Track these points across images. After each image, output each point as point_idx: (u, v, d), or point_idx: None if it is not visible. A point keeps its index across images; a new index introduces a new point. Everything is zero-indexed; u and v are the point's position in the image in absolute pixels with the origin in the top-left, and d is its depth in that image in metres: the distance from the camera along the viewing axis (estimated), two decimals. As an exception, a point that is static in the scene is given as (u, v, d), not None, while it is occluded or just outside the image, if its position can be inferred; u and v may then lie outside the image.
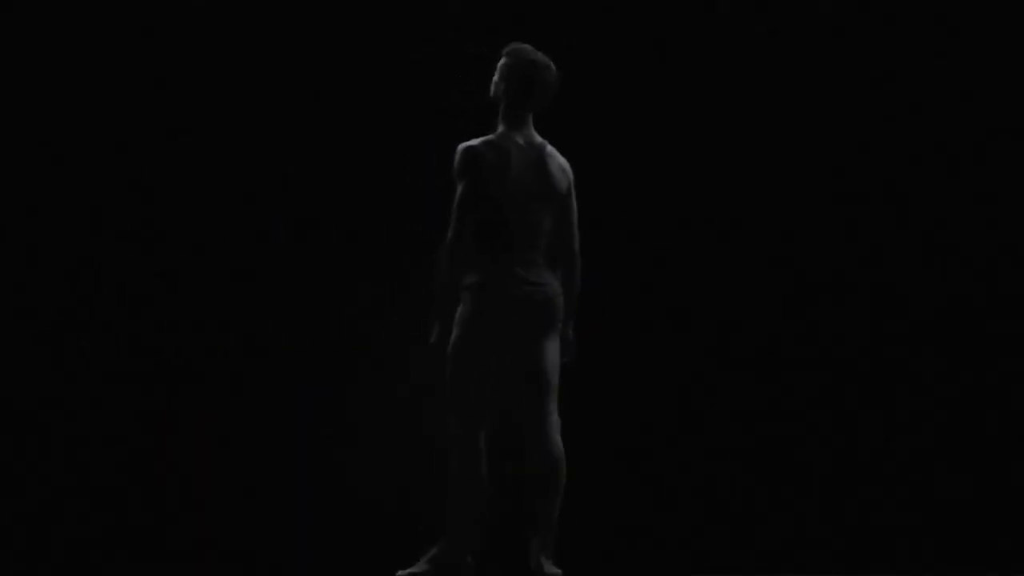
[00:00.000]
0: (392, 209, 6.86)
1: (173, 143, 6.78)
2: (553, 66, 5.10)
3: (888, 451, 6.79)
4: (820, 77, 6.92)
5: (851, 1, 6.89)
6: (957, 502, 6.71)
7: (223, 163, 6.81)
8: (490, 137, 5.05)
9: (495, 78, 5.12)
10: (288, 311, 6.81)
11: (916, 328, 6.82)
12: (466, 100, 6.65)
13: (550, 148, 5.10)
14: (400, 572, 5.01)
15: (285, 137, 6.84)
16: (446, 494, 5.03)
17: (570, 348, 5.15)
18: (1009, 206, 6.81)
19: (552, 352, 5.04)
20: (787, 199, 6.91)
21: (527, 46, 5.11)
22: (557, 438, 4.99)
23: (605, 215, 6.62)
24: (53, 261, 6.68)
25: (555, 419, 5.01)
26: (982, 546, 6.67)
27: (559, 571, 4.96)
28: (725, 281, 6.89)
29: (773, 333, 6.86)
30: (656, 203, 6.92)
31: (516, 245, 4.98)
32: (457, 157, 5.01)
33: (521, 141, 5.05)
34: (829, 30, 6.91)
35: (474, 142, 5.02)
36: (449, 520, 5.01)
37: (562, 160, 5.12)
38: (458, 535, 5.01)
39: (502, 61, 5.12)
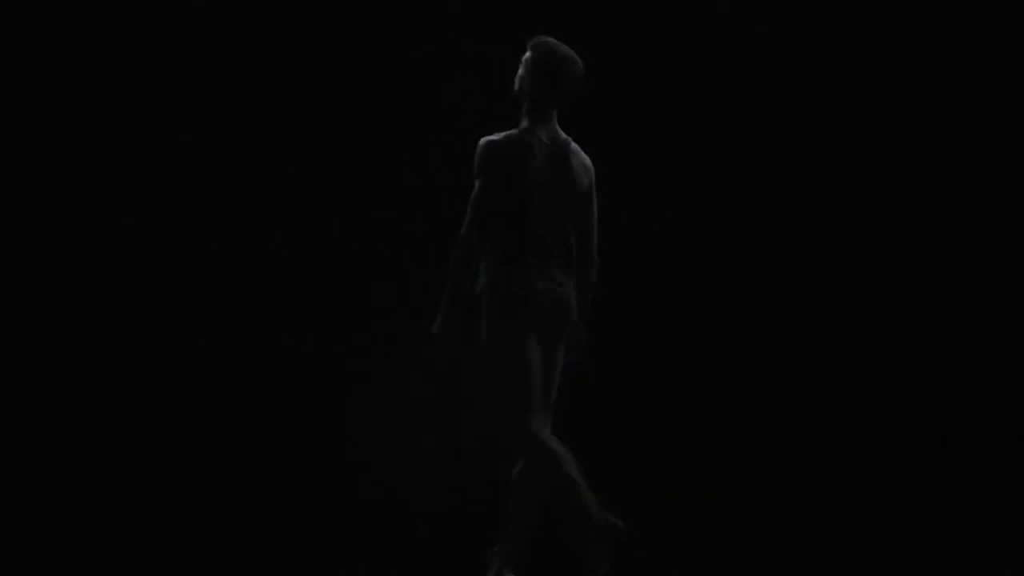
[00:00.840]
0: (392, 209, 6.86)
1: (173, 143, 6.78)
2: (579, 60, 5.00)
3: (891, 451, 6.79)
4: (823, 76, 6.91)
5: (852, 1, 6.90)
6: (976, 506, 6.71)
7: (223, 163, 6.81)
8: (513, 132, 4.93)
9: (520, 72, 4.99)
10: (288, 311, 6.81)
11: (923, 328, 6.81)
12: (466, 100, 6.65)
13: (574, 145, 5.00)
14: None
15: (285, 137, 6.84)
16: (553, 492, 4.77)
17: (578, 348, 5.04)
18: (1009, 206, 6.82)
19: (560, 359, 4.96)
20: (788, 200, 6.91)
21: (552, 39, 5.00)
22: None
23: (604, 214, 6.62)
24: (52, 261, 6.68)
25: (547, 430, 4.92)
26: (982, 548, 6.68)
27: None
28: (727, 281, 6.89)
29: (776, 333, 6.87)
30: (653, 203, 6.92)
31: (535, 242, 4.86)
32: (478, 152, 4.90)
33: (544, 137, 4.94)
34: (829, 30, 6.91)
35: (496, 136, 4.91)
36: (574, 492, 4.71)
37: (585, 158, 5.02)
38: (597, 509, 4.73)
39: (527, 55, 5.00)
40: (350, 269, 6.84)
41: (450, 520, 6.67)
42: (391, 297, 6.80)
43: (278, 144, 6.83)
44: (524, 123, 4.96)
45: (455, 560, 6.46)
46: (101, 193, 6.72)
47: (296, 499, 6.73)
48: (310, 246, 6.84)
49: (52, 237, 6.69)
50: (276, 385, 6.78)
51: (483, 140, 4.91)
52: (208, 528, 6.68)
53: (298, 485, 6.74)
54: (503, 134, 4.92)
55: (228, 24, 6.82)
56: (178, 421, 6.72)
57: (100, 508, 6.62)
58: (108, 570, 6.50)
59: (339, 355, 6.80)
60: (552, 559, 6.29)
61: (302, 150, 6.85)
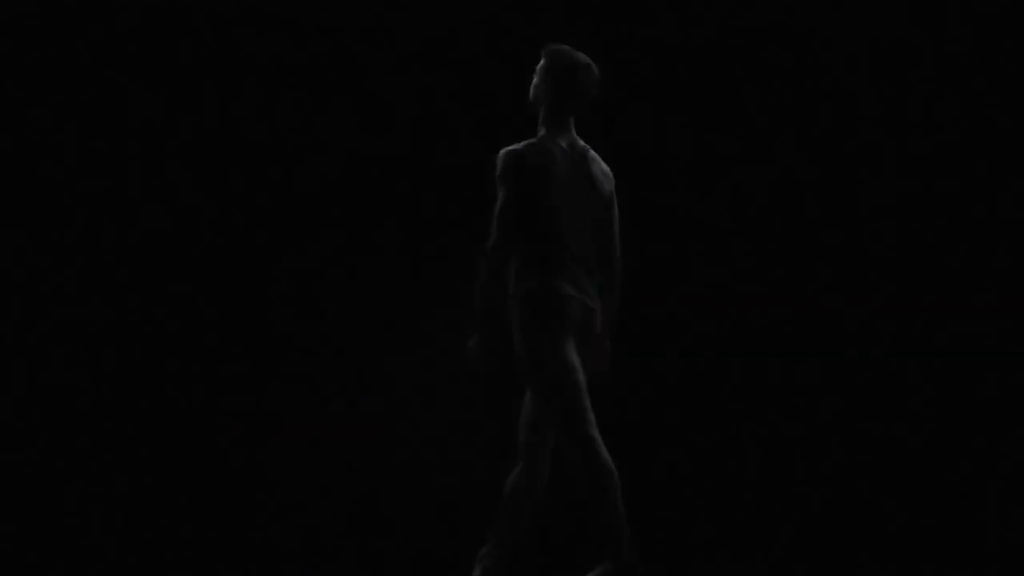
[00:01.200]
0: (396, 211, 6.87)
1: (172, 143, 6.79)
2: (594, 66, 4.94)
3: (896, 457, 6.79)
4: (831, 77, 6.91)
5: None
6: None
7: (225, 164, 6.82)
8: (532, 141, 4.87)
9: (535, 81, 4.94)
10: (294, 315, 6.83)
11: (935, 331, 6.81)
12: (470, 101, 6.66)
13: (592, 152, 4.95)
14: None
15: (288, 138, 6.85)
16: (598, 496, 4.66)
17: (605, 358, 4.96)
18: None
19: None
20: (797, 204, 6.90)
21: (566, 47, 4.94)
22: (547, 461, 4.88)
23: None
24: (65, 263, 6.70)
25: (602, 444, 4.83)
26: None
27: None
28: (732, 285, 6.89)
29: (783, 336, 6.87)
30: (657, 206, 6.92)
31: (563, 250, 4.80)
32: (499, 162, 4.83)
33: (564, 145, 4.89)
34: (836, 30, 6.91)
35: (516, 146, 4.84)
36: (613, 520, 4.66)
37: (604, 165, 4.97)
38: (628, 547, 4.69)
39: (541, 63, 4.94)
40: (354, 272, 6.85)
41: (445, 520, 6.68)
42: (394, 300, 6.81)
43: (281, 144, 6.84)
44: (542, 131, 4.93)
45: (447, 559, 6.46)
46: (118, 192, 6.76)
47: (291, 497, 6.74)
48: (315, 248, 6.85)
49: (52, 236, 6.71)
50: (276, 385, 6.79)
51: (504, 150, 4.85)
52: (207, 529, 6.70)
53: (293, 484, 6.75)
54: (523, 143, 4.86)
55: (230, 26, 6.83)
56: (184, 422, 6.75)
57: (107, 512, 6.65)
58: (111, 571, 6.52)
59: (347, 359, 6.81)
60: (540, 563, 6.31)
61: (305, 151, 6.86)
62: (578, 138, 4.96)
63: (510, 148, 4.86)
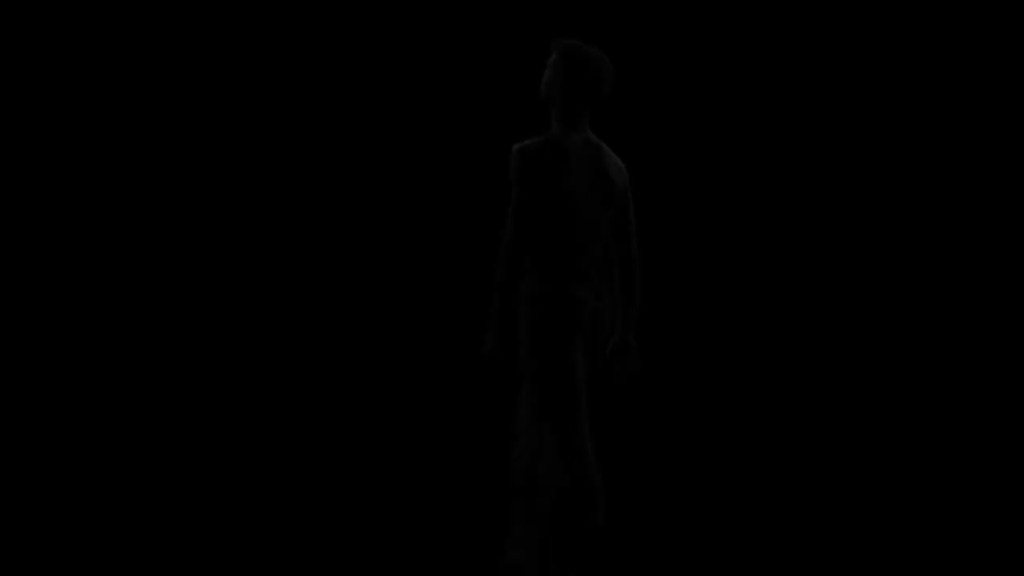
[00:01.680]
0: (401, 213, 6.86)
1: (172, 143, 6.80)
2: (607, 59, 4.89)
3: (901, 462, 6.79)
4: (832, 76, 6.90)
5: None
6: None
7: (228, 165, 6.82)
8: (545, 137, 4.80)
9: (545, 76, 4.87)
10: (300, 316, 6.82)
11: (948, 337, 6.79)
12: (477, 99, 6.65)
13: (606, 148, 4.89)
14: None
15: (294, 138, 6.85)
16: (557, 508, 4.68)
17: (633, 358, 4.91)
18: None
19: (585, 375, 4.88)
20: (808, 206, 6.89)
21: (576, 40, 4.88)
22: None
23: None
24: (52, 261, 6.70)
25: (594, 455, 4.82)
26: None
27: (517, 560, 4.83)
28: (736, 286, 6.88)
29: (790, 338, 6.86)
30: (667, 206, 6.92)
31: (578, 248, 4.77)
32: (512, 160, 4.76)
33: (578, 140, 4.82)
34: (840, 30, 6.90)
35: (529, 142, 4.78)
36: (583, 538, 4.69)
37: (618, 160, 4.92)
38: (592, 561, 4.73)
39: (552, 58, 4.87)
40: (358, 273, 6.84)
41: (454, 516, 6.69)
42: (398, 303, 6.81)
43: (287, 145, 6.84)
44: (554, 127, 4.86)
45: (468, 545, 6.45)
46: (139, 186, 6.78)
47: (297, 496, 6.75)
48: (319, 248, 6.85)
49: (51, 236, 6.71)
50: (287, 389, 6.79)
51: (516, 147, 4.78)
52: (209, 528, 6.69)
53: (298, 483, 6.75)
54: (535, 139, 4.81)
55: (234, 27, 6.83)
56: (192, 425, 6.76)
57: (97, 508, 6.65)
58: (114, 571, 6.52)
59: (354, 362, 6.80)
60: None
61: (312, 152, 6.86)
62: (592, 133, 4.90)
63: (523, 144, 4.79)
